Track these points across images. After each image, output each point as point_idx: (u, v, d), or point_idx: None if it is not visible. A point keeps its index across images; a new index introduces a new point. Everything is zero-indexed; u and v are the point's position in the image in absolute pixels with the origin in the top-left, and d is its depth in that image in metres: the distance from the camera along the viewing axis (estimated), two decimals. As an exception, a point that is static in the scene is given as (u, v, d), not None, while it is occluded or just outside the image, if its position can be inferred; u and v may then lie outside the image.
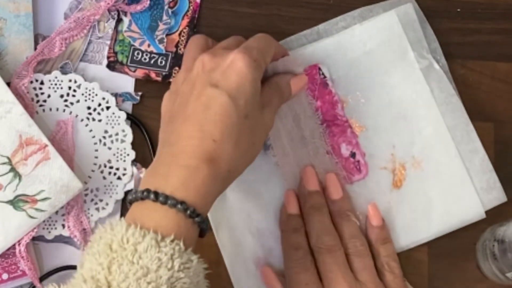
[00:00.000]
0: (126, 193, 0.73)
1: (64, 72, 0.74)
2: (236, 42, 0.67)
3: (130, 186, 0.73)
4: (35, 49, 0.74)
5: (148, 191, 0.57)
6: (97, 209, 0.73)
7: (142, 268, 0.54)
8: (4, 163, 0.70)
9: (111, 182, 0.73)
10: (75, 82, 0.74)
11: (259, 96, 0.63)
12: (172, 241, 0.55)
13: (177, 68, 0.75)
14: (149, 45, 0.75)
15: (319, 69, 0.73)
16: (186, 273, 0.55)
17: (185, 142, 0.59)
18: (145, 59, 0.75)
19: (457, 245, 0.73)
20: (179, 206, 0.56)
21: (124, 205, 0.73)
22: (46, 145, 0.71)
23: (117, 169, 0.74)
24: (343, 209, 0.71)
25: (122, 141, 0.74)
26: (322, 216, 0.70)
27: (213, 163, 0.59)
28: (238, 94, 0.60)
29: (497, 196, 0.73)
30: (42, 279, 0.72)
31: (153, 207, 0.57)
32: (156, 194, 0.57)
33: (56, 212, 0.72)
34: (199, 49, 0.66)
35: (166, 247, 0.55)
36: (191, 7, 0.76)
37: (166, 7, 0.75)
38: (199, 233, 0.59)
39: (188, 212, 0.57)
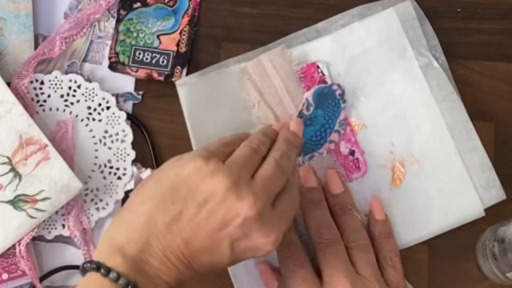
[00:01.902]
0: (126, 192, 0.73)
1: (70, 71, 0.75)
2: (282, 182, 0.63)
3: (130, 186, 0.73)
4: (35, 49, 0.74)
5: (135, 286, 0.56)
6: (97, 209, 0.73)
7: None
8: (4, 163, 0.70)
9: (111, 182, 0.73)
10: (75, 82, 0.74)
11: None
12: None
13: (178, 67, 0.75)
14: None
15: (318, 67, 0.73)
16: None
17: (175, 259, 0.58)
18: (146, 59, 0.75)
19: (457, 245, 0.73)
20: None
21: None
22: (46, 145, 0.71)
23: (117, 169, 0.74)
24: (344, 202, 0.71)
25: (122, 141, 0.74)
26: (320, 210, 0.70)
27: (180, 285, 0.60)
28: (236, 261, 0.61)
29: (496, 194, 0.72)
30: (42, 279, 0.72)
31: None
32: None
33: (56, 212, 0.72)
34: (251, 167, 0.62)
35: None
36: (191, 6, 0.76)
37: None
38: None
39: None
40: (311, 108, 0.71)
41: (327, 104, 0.72)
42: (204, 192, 0.58)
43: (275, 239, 0.60)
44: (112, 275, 0.56)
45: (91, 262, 0.57)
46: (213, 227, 0.58)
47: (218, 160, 0.59)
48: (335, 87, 0.72)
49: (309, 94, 0.71)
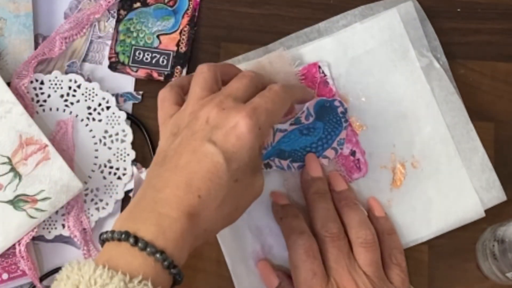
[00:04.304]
0: (126, 193, 0.73)
1: (70, 71, 0.75)
2: (249, 87, 0.64)
3: (130, 186, 0.73)
4: (35, 49, 0.74)
5: (127, 233, 0.55)
6: (97, 209, 0.73)
7: None
8: (4, 163, 0.70)
9: (111, 182, 0.73)
10: (75, 82, 0.74)
11: (254, 162, 0.62)
12: (140, 281, 0.54)
13: (178, 67, 0.75)
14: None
15: (319, 67, 0.73)
16: None
17: (170, 191, 0.58)
18: (146, 58, 0.75)
19: (457, 245, 0.73)
20: (157, 255, 0.55)
21: (124, 206, 0.73)
22: (46, 145, 0.71)
23: (117, 169, 0.74)
24: (349, 198, 0.70)
25: (122, 141, 0.74)
26: (326, 202, 0.69)
27: (193, 218, 0.58)
28: (233, 158, 0.60)
29: (497, 195, 0.72)
30: (42, 279, 0.72)
31: (130, 251, 0.55)
32: (136, 238, 0.55)
33: (56, 212, 0.72)
34: (207, 88, 0.64)
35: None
36: (191, 5, 0.76)
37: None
38: (172, 284, 0.58)
39: (166, 262, 0.56)
40: (311, 119, 0.71)
41: (328, 119, 0.72)
42: (167, 127, 0.63)
43: (246, 113, 0.60)
44: (111, 235, 0.56)
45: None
46: (188, 137, 0.60)
47: None
48: (337, 103, 0.72)
49: (310, 104, 0.71)
